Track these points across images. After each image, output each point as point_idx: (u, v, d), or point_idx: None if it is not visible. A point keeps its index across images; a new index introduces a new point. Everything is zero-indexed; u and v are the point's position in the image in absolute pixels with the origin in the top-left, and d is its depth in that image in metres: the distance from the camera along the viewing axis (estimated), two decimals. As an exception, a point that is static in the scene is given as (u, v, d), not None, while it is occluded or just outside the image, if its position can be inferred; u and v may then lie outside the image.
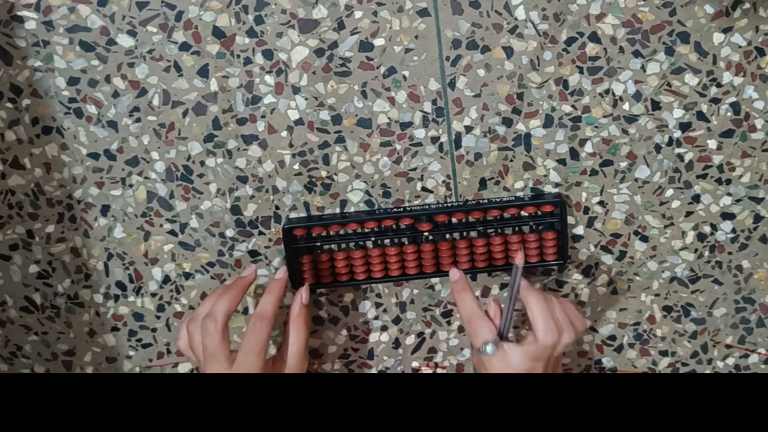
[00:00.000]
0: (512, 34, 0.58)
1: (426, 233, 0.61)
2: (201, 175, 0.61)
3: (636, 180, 0.62)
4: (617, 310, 0.66)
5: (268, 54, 0.58)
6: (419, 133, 0.61)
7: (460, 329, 0.66)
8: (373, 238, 0.62)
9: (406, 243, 0.61)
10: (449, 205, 0.62)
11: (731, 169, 0.62)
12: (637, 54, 0.59)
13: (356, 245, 0.62)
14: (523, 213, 0.61)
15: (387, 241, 0.62)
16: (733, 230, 0.64)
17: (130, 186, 0.61)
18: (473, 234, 0.62)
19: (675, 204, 0.63)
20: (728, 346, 0.68)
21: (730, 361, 0.68)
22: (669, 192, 0.63)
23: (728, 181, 0.62)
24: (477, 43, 0.58)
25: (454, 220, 0.62)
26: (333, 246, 0.62)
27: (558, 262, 0.62)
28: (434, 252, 0.61)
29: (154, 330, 0.65)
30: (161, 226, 0.62)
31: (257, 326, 0.55)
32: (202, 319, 0.56)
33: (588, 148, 0.61)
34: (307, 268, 0.61)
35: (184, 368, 0.67)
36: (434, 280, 0.65)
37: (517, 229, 0.61)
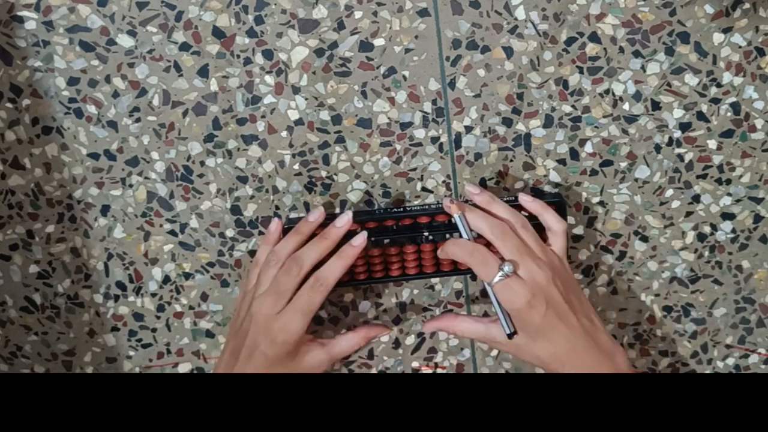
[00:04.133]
0: (512, 34, 0.58)
1: (426, 233, 0.61)
2: (201, 175, 0.61)
3: (636, 180, 0.62)
4: (617, 310, 0.66)
5: (268, 54, 0.58)
6: (419, 133, 0.61)
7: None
8: (373, 238, 0.62)
9: (406, 243, 0.61)
10: None
11: (731, 169, 0.62)
12: (637, 54, 0.59)
13: None
14: (523, 213, 0.60)
15: (387, 241, 0.62)
16: (733, 230, 0.64)
17: (130, 186, 0.61)
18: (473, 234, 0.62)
19: (675, 204, 0.63)
20: (728, 346, 0.68)
21: (730, 361, 0.68)
22: (669, 192, 0.63)
23: (728, 181, 0.62)
24: (477, 43, 0.58)
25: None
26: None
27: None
28: (434, 252, 0.61)
29: (154, 330, 0.65)
30: (161, 226, 0.62)
31: (315, 288, 0.54)
32: (287, 259, 0.55)
33: (588, 148, 0.61)
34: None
35: (184, 368, 0.67)
36: (434, 280, 0.65)
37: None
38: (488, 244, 0.55)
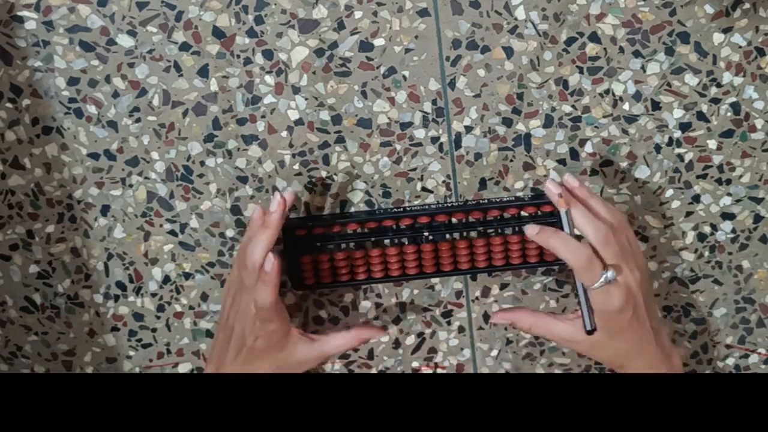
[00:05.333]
0: (512, 34, 0.58)
1: (426, 233, 0.61)
2: (201, 175, 0.61)
3: (636, 180, 0.62)
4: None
5: (268, 54, 0.58)
6: (419, 133, 0.61)
7: (460, 329, 0.66)
8: (373, 238, 0.62)
9: (406, 243, 0.61)
10: (449, 205, 0.62)
11: (731, 169, 0.62)
12: (637, 54, 0.59)
13: (356, 245, 0.62)
14: (523, 213, 0.60)
15: (387, 242, 0.62)
16: (733, 230, 0.64)
17: (130, 186, 0.61)
18: (473, 234, 0.62)
19: (675, 204, 0.63)
20: (728, 346, 0.68)
21: (730, 361, 0.68)
22: (669, 192, 0.63)
23: (728, 181, 0.62)
24: (477, 43, 0.58)
25: (453, 220, 0.62)
26: (333, 246, 0.62)
27: (558, 263, 0.62)
28: (434, 252, 0.61)
29: (154, 330, 0.65)
30: (161, 226, 0.62)
31: (252, 274, 0.54)
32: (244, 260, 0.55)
33: (588, 148, 0.61)
34: (307, 269, 0.61)
35: (184, 368, 0.67)
36: (434, 280, 0.65)
37: (517, 229, 0.61)
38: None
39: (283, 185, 0.61)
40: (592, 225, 0.54)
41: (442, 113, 0.60)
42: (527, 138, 0.61)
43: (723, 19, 0.58)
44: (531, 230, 0.55)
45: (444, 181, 0.62)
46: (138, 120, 0.59)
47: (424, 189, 0.62)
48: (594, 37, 0.58)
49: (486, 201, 0.61)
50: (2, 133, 0.59)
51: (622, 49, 0.59)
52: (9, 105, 0.59)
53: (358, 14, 0.57)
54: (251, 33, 0.58)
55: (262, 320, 0.55)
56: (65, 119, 0.59)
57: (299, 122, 0.60)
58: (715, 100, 0.60)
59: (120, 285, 0.64)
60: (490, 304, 0.65)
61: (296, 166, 0.61)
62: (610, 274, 0.52)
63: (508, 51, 0.59)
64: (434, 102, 0.60)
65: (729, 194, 0.63)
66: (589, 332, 0.54)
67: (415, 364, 0.68)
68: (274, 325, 0.55)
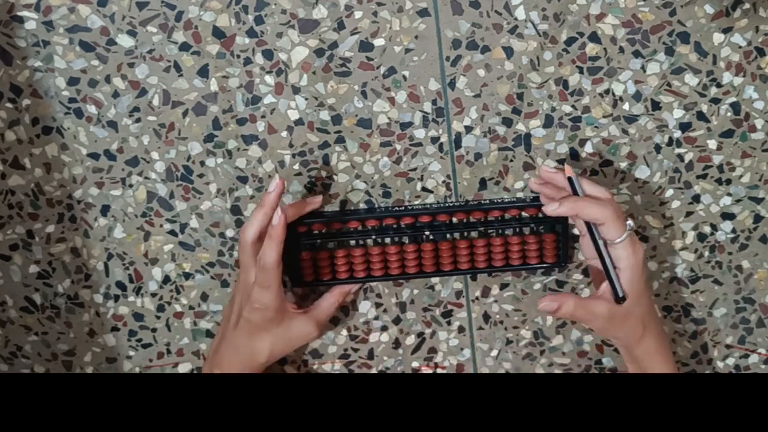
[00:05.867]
0: (512, 34, 0.58)
1: (426, 233, 0.61)
2: (201, 175, 0.61)
3: (636, 180, 0.62)
4: None
5: (268, 54, 0.58)
6: (419, 133, 0.61)
7: (460, 329, 0.66)
8: (373, 237, 0.62)
9: (407, 242, 0.61)
10: (451, 204, 0.62)
11: (731, 169, 0.62)
12: (637, 54, 0.59)
13: (356, 243, 0.62)
14: (523, 214, 0.61)
15: (387, 240, 0.62)
16: (733, 230, 0.64)
17: (130, 186, 0.61)
18: (474, 234, 0.62)
19: (675, 204, 0.63)
20: (728, 346, 0.68)
21: (730, 361, 0.68)
22: (669, 192, 0.63)
23: (728, 181, 0.62)
24: (477, 43, 0.58)
25: (454, 220, 0.62)
26: (333, 243, 0.62)
27: (558, 264, 0.62)
28: (434, 252, 0.61)
29: (154, 330, 0.65)
30: (161, 226, 0.62)
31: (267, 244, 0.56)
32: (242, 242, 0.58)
33: (588, 148, 0.61)
34: (307, 266, 0.61)
35: (184, 368, 0.67)
36: (434, 280, 0.65)
37: (517, 230, 0.61)
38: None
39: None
40: (597, 187, 0.56)
41: (442, 113, 0.60)
42: (527, 138, 0.61)
43: (723, 19, 0.58)
44: (551, 207, 0.55)
45: (444, 181, 0.62)
46: (138, 120, 0.59)
47: (424, 189, 0.62)
48: (594, 37, 0.58)
49: (487, 201, 0.61)
50: (2, 133, 0.59)
51: (622, 49, 0.59)
52: (9, 105, 0.59)
53: (358, 14, 0.57)
54: (251, 33, 0.58)
55: (260, 286, 0.56)
56: (65, 119, 0.59)
57: (299, 122, 0.60)
58: (715, 100, 0.60)
59: (120, 285, 0.64)
60: (490, 304, 0.65)
61: (296, 166, 0.61)
62: (631, 222, 0.54)
63: (508, 51, 0.59)
64: (434, 102, 0.60)
65: (729, 194, 0.63)
66: (620, 300, 0.55)
67: (415, 364, 0.68)
68: (270, 294, 0.56)
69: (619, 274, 0.55)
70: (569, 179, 0.56)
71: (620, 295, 0.55)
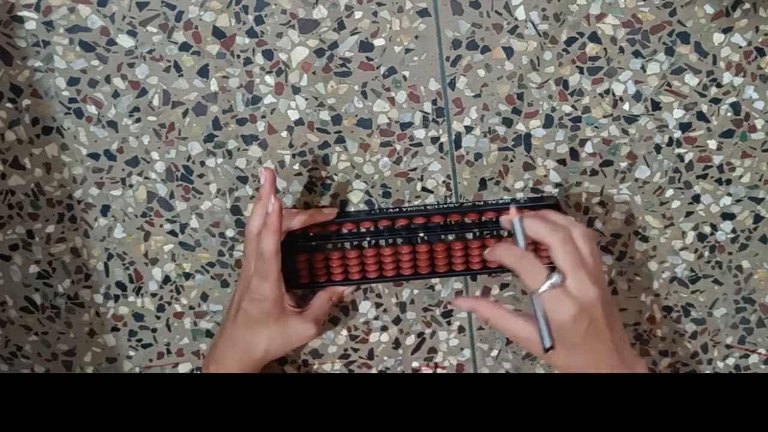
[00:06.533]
0: (512, 34, 0.58)
1: (421, 234, 0.61)
2: (201, 176, 0.61)
3: (636, 180, 0.62)
4: (617, 310, 0.66)
5: (268, 54, 0.58)
6: (419, 134, 0.61)
7: (460, 329, 0.66)
8: (369, 239, 0.62)
9: (402, 243, 0.61)
10: (446, 206, 0.62)
11: (731, 170, 0.62)
12: (637, 54, 0.59)
13: (352, 245, 0.62)
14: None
15: (383, 242, 0.62)
16: (733, 230, 0.64)
17: (130, 186, 0.61)
18: (468, 236, 0.62)
19: (675, 204, 0.63)
20: (728, 346, 0.68)
21: (730, 361, 0.68)
22: (669, 192, 0.63)
23: (728, 182, 0.62)
24: (477, 43, 0.58)
25: (450, 221, 0.62)
26: (329, 245, 0.62)
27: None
28: (429, 253, 0.61)
29: (154, 330, 0.65)
30: (161, 226, 0.62)
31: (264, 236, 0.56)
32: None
33: (588, 148, 0.61)
34: (303, 267, 0.61)
35: (184, 368, 0.67)
36: (434, 280, 0.65)
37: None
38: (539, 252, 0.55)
39: (284, 185, 0.61)
40: (548, 226, 0.53)
41: (442, 113, 0.60)
42: (527, 138, 0.61)
43: (723, 19, 0.58)
44: (486, 254, 0.56)
45: (444, 182, 0.62)
46: (138, 120, 0.59)
47: (424, 189, 0.62)
48: (594, 37, 0.58)
49: (482, 203, 0.61)
50: (2, 133, 0.59)
51: (622, 49, 0.59)
52: (9, 105, 0.59)
53: (358, 14, 0.57)
54: (251, 33, 0.58)
55: (259, 276, 0.56)
56: (65, 119, 0.59)
57: (299, 122, 0.60)
58: (715, 100, 0.60)
59: (120, 285, 0.64)
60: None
61: (296, 166, 0.61)
62: (555, 278, 0.51)
63: (508, 51, 0.59)
64: (434, 102, 0.60)
65: (729, 194, 0.63)
66: (547, 349, 0.52)
67: (415, 364, 0.68)
68: (268, 284, 0.56)
69: (549, 324, 0.52)
70: (512, 223, 0.54)
71: (546, 345, 0.52)
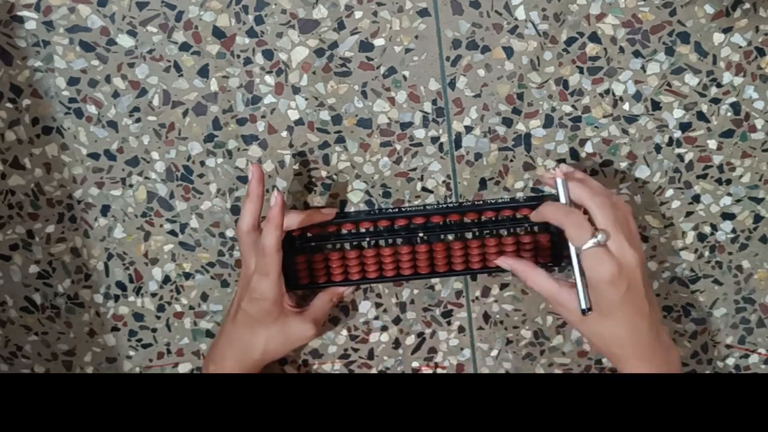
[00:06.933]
0: (512, 34, 0.58)
1: (421, 234, 0.61)
2: (201, 175, 0.61)
3: (636, 180, 0.62)
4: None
5: (268, 54, 0.58)
6: (419, 133, 0.61)
7: (460, 329, 0.66)
8: (368, 239, 0.62)
9: (401, 243, 0.61)
10: (445, 206, 0.62)
11: (731, 169, 0.62)
12: (637, 54, 0.59)
13: (352, 245, 0.62)
14: (517, 215, 0.60)
15: (383, 242, 0.62)
16: (733, 230, 0.64)
17: (130, 186, 0.61)
18: (468, 235, 0.62)
19: (675, 204, 0.63)
20: (728, 346, 0.68)
21: (730, 361, 0.68)
22: (669, 192, 0.63)
23: (728, 181, 0.62)
24: (477, 43, 0.58)
25: (449, 221, 0.62)
26: (329, 246, 0.62)
27: (551, 264, 0.62)
28: (429, 253, 0.61)
29: (154, 330, 0.65)
30: (161, 226, 0.62)
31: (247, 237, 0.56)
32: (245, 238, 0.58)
33: (588, 148, 0.61)
34: (302, 268, 0.61)
35: (184, 368, 0.67)
36: (434, 280, 0.65)
37: (512, 230, 0.61)
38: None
39: (284, 185, 0.61)
40: (590, 190, 0.53)
41: (442, 113, 0.60)
42: (527, 138, 0.61)
43: (723, 19, 0.58)
44: (532, 215, 0.56)
45: (444, 181, 0.62)
46: (138, 120, 0.59)
47: (424, 189, 0.62)
48: (594, 37, 0.58)
49: (481, 202, 0.61)
50: (2, 133, 0.59)
51: (622, 49, 0.59)
52: (9, 105, 0.59)
53: (358, 14, 0.57)
54: (251, 33, 0.58)
55: (260, 273, 0.56)
56: (65, 119, 0.59)
57: (299, 122, 0.60)
58: (715, 100, 0.60)
59: (120, 285, 0.64)
60: (490, 304, 0.65)
61: (296, 166, 0.61)
62: (601, 236, 0.51)
63: (508, 51, 0.59)
64: (434, 102, 0.60)
65: (729, 194, 0.63)
66: (585, 311, 0.52)
67: (415, 364, 0.68)
68: (269, 282, 0.55)
69: (588, 286, 0.52)
70: (556, 182, 0.54)
71: (584, 306, 0.52)
